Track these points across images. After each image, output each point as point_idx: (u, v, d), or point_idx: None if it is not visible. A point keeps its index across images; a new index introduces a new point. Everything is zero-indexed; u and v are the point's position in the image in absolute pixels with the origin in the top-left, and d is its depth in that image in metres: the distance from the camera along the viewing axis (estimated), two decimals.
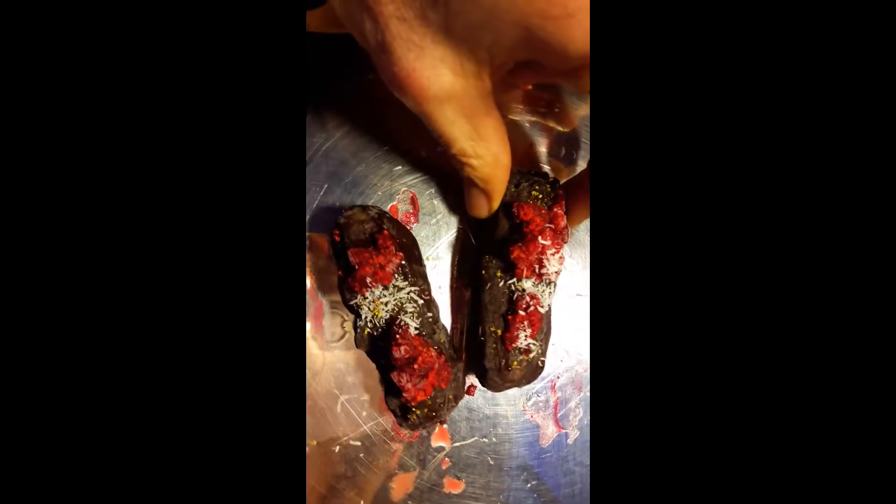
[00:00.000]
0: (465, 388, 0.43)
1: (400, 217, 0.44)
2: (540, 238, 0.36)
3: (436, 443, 0.44)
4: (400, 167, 0.44)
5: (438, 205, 0.44)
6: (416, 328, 0.37)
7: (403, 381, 0.35)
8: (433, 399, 0.37)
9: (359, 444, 0.43)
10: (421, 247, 0.42)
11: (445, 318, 0.43)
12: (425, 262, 0.42)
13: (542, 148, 0.46)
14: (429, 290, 0.40)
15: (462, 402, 0.43)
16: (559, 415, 0.46)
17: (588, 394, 0.46)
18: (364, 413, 0.43)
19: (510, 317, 0.38)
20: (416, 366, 0.35)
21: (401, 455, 0.43)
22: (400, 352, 0.35)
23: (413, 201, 0.44)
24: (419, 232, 0.44)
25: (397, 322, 0.36)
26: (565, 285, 0.45)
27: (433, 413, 0.38)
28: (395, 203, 0.44)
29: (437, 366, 0.36)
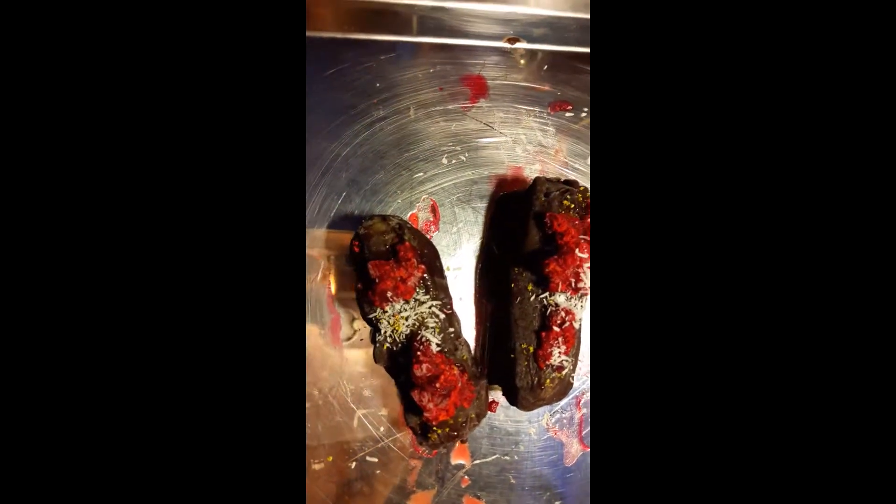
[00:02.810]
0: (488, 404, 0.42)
1: (420, 226, 0.42)
2: (577, 251, 0.34)
3: (455, 460, 0.42)
4: (420, 174, 0.43)
5: (460, 213, 0.43)
6: (437, 344, 0.35)
7: (425, 400, 0.33)
8: (455, 418, 0.36)
9: (375, 460, 0.41)
10: (442, 257, 0.41)
11: (467, 331, 0.42)
12: (446, 274, 0.41)
13: (562, 154, 0.44)
14: (450, 303, 0.38)
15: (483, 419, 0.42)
16: (584, 432, 0.44)
17: None
18: (382, 428, 0.41)
19: (543, 333, 0.36)
20: (437, 385, 0.33)
21: (419, 472, 0.42)
22: (421, 370, 0.33)
23: (434, 209, 0.43)
24: (440, 241, 0.42)
25: (418, 338, 0.35)
26: None
27: (454, 432, 0.36)
28: (415, 211, 0.42)
29: (459, 385, 0.34)
